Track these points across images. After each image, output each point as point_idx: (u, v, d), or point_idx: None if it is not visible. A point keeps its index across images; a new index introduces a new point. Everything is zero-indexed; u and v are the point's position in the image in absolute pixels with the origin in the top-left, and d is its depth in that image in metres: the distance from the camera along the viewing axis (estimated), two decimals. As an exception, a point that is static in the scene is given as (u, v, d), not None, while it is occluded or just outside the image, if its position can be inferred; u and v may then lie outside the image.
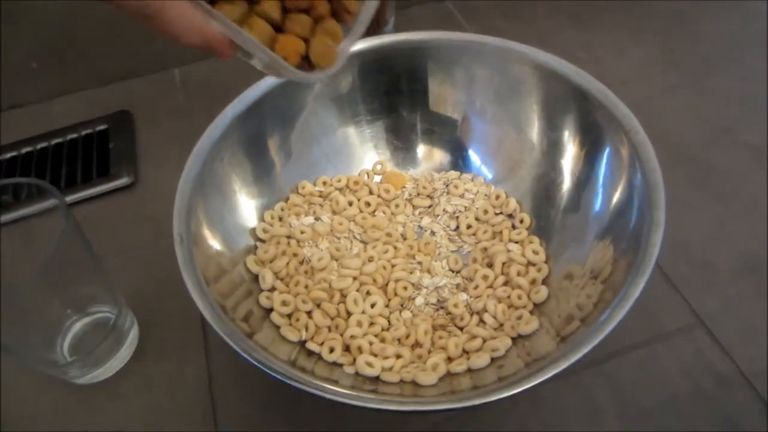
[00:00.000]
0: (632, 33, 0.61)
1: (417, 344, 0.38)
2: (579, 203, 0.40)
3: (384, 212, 0.46)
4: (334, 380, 0.34)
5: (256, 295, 0.39)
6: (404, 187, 0.47)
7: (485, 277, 0.40)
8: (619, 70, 0.57)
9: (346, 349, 0.37)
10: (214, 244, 0.38)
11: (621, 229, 0.36)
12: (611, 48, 0.60)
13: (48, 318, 0.38)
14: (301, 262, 0.42)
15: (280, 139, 0.44)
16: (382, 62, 0.45)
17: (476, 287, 0.40)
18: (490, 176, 0.46)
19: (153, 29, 0.24)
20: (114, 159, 0.53)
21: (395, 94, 0.46)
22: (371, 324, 0.38)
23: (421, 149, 0.48)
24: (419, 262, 0.42)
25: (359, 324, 0.38)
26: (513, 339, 0.37)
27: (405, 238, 0.44)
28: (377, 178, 0.48)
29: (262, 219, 0.43)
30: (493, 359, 0.35)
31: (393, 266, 0.42)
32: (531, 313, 0.38)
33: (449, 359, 0.36)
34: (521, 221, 0.43)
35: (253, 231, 0.42)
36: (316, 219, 0.44)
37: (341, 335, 0.38)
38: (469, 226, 0.44)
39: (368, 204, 0.45)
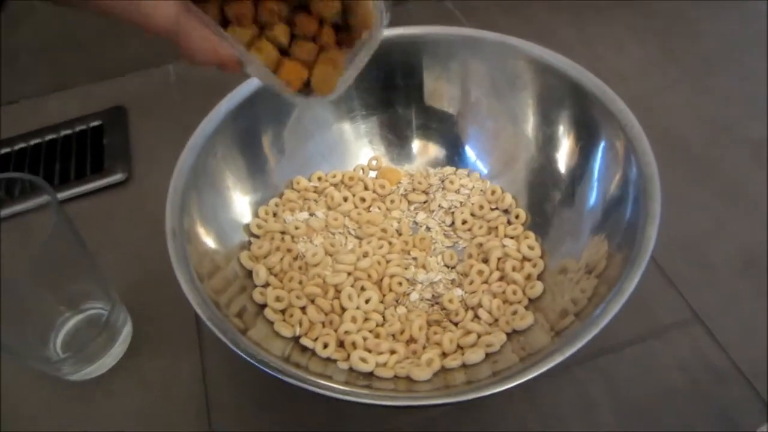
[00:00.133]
0: (632, 30, 0.61)
1: (411, 340, 0.38)
2: (574, 197, 0.40)
3: (379, 208, 0.45)
4: (328, 376, 0.33)
5: (250, 291, 0.39)
6: (400, 182, 0.47)
7: (480, 273, 0.40)
8: (618, 68, 0.57)
9: (340, 344, 0.37)
10: (208, 239, 0.38)
11: (616, 223, 0.36)
12: (611, 45, 0.60)
13: (41, 314, 0.38)
14: (295, 258, 0.41)
15: (274, 134, 0.44)
16: (378, 57, 0.44)
17: (471, 282, 0.40)
18: (485, 171, 0.46)
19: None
20: (108, 155, 0.53)
21: (390, 89, 0.46)
22: (366, 320, 0.38)
23: (417, 144, 0.48)
24: (414, 258, 0.42)
25: (353, 319, 0.38)
26: (508, 334, 0.37)
27: (400, 234, 0.44)
28: (372, 174, 0.47)
29: (256, 215, 0.43)
30: (487, 354, 0.35)
31: (388, 262, 0.41)
32: (526, 308, 0.38)
33: (444, 355, 0.36)
34: (517, 217, 0.43)
35: (247, 227, 0.42)
36: (311, 215, 0.44)
37: (335, 331, 0.37)
38: (464, 222, 0.44)
39: (363, 199, 0.45)
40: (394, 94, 0.46)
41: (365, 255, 0.41)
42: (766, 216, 0.45)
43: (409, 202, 0.46)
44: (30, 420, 0.38)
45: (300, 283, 0.39)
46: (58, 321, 0.39)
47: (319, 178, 0.46)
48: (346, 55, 0.30)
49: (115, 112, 0.57)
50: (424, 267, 0.42)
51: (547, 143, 0.42)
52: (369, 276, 0.40)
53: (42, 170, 0.52)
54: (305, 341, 0.37)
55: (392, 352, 0.36)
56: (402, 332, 0.38)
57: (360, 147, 0.48)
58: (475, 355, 0.35)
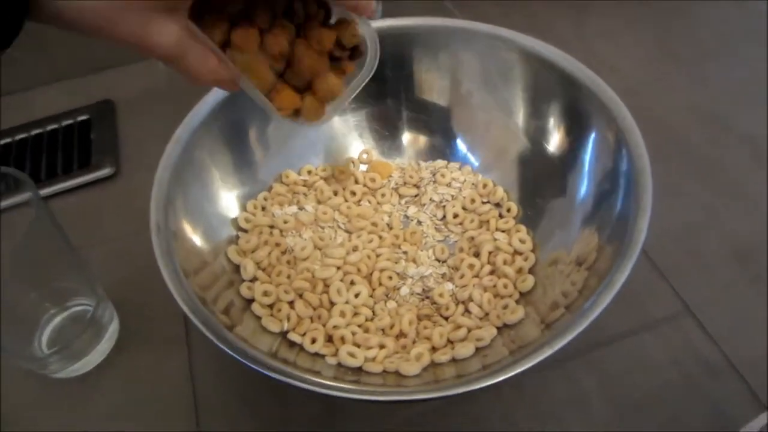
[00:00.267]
0: (628, 23, 0.61)
1: (401, 334, 0.37)
2: (565, 189, 0.40)
3: (369, 201, 0.45)
4: (316, 371, 0.33)
5: (238, 285, 0.38)
6: (391, 176, 0.46)
7: (471, 267, 0.40)
8: (613, 60, 0.57)
9: (329, 339, 0.37)
10: (194, 234, 0.37)
11: (607, 215, 0.35)
12: (606, 38, 0.59)
13: (25, 311, 0.38)
14: (284, 252, 0.41)
15: (261, 128, 0.43)
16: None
17: (462, 276, 0.39)
18: (476, 164, 0.46)
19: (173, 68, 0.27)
20: (95, 149, 0.52)
21: (380, 81, 0.45)
22: (355, 314, 0.38)
23: (407, 137, 0.47)
24: (405, 252, 0.42)
25: (342, 314, 0.37)
26: (498, 328, 0.36)
27: (391, 228, 0.43)
28: (363, 167, 0.47)
29: (244, 209, 0.42)
30: (477, 349, 0.35)
31: (378, 256, 0.41)
32: (517, 302, 0.38)
33: (434, 349, 0.36)
34: (508, 210, 0.43)
35: (234, 221, 0.42)
36: (300, 208, 0.44)
37: (323, 326, 0.37)
38: (455, 215, 0.43)
39: (353, 193, 0.45)
40: (384, 86, 0.45)
41: (355, 249, 0.41)
42: (759, 209, 0.44)
43: (401, 196, 0.46)
44: (15, 418, 0.37)
45: (288, 277, 0.39)
46: (43, 318, 0.38)
47: (309, 172, 0.45)
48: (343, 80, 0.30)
49: (102, 106, 0.57)
50: (414, 261, 0.41)
51: (539, 135, 0.42)
52: (358, 270, 0.40)
53: (28, 165, 0.52)
54: (293, 336, 0.36)
55: (381, 346, 0.36)
56: (392, 327, 0.37)
57: (350, 140, 0.47)
58: (465, 350, 0.35)
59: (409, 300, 0.39)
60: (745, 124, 0.50)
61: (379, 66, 0.46)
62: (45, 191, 0.49)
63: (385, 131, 0.47)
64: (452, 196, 0.44)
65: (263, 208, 0.43)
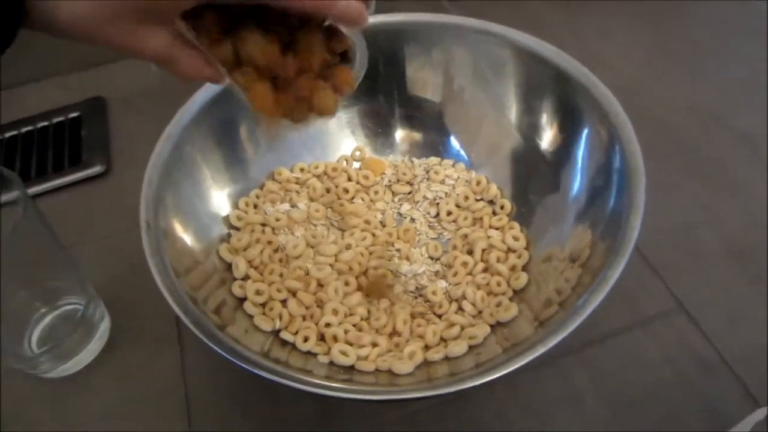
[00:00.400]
0: (622, 19, 0.61)
1: (395, 332, 0.37)
2: (558, 186, 0.40)
3: (363, 199, 0.45)
4: (308, 371, 0.33)
5: (229, 284, 0.38)
6: (384, 173, 0.46)
7: (465, 264, 0.40)
8: (607, 56, 0.57)
9: (321, 338, 0.36)
10: (185, 232, 0.37)
11: (600, 212, 0.35)
12: (600, 34, 0.59)
13: (15, 311, 0.37)
14: (276, 250, 0.41)
15: (253, 125, 0.43)
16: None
17: (455, 274, 0.39)
18: (470, 161, 0.45)
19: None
20: (86, 147, 0.52)
21: (372, 78, 0.44)
22: (350, 314, 0.37)
23: (400, 134, 0.47)
24: (398, 250, 0.42)
25: (335, 312, 0.37)
26: (492, 326, 0.36)
27: (384, 225, 0.43)
28: (356, 165, 0.47)
29: (236, 206, 0.42)
30: (471, 347, 0.35)
31: (371, 254, 0.41)
32: (510, 299, 0.38)
33: (427, 347, 0.36)
34: (502, 207, 0.43)
35: (226, 219, 0.41)
36: (292, 206, 0.43)
37: (316, 324, 0.37)
38: (449, 213, 0.43)
39: (346, 190, 0.44)
40: (377, 83, 0.45)
41: (348, 247, 0.41)
42: (754, 206, 0.44)
43: (394, 193, 0.45)
44: (6, 418, 0.37)
45: (281, 275, 0.39)
46: (33, 317, 0.38)
47: (302, 169, 0.45)
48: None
49: (94, 104, 0.56)
50: (407, 258, 0.41)
51: (532, 131, 0.42)
52: (351, 268, 0.39)
53: (18, 163, 0.51)
54: (285, 335, 0.36)
55: (374, 345, 0.35)
56: (385, 325, 0.37)
57: (343, 137, 0.47)
58: (458, 348, 0.34)
59: (403, 298, 0.39)
60: (741, 122, 0.50)
61: (372, 62, 0.45)
62: (35, 189, 0.48)
63: (378, 128, 0.47)
64: (446, 193, 0.44)
65: (255, 206, 0.43)
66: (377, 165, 0.46)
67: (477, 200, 0.44)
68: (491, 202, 0.43)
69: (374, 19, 0.43)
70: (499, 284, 0.38)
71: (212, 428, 0.36)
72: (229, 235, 0.41)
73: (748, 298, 0.40)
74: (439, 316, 0.38)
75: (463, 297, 0.38)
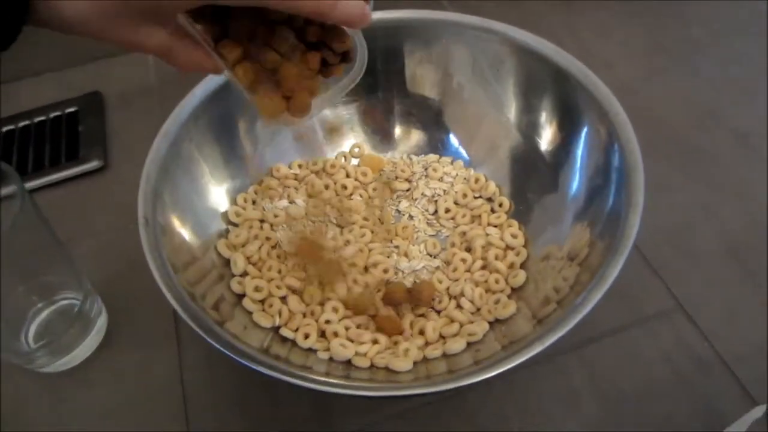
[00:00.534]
0: (620, 17, 0.60)
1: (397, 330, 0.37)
2: (557, 185, 0.40)
3: (361, 196, 0.45)
4: (308, 367, 0.33)
5: (228, 280, 0.38)
6: (382, 170, 0.46)
7: (463, 261, 0.40)
8: (605, 55, 0.56)
9: (322, 334, 0.36)
10: (183, 228, 0.37)
11: (599, 211, 0.35)
12: (598, 32, 0.59)
13: (12, 305, 0.37)
14: (274, 246, 0.40)
15: (251, 121, 0.43)
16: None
17: (454, 271, 0.39)
18: (468, 159, 0.45)
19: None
20: (83, 142, 0.52)
21: (371, 75, 0.44)
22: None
23: (399, 131, 0.47)
24: (396, 246, 0.41)
25: (335, 309, 0.37)
26: (490, 323, 0.36)
27: (382, 222, 0.43)
28: (355, 161, 0.47)
29: (234, 202, 0.42)
30: (469, 344, 0.35)
31: (370, 250, 0.41)
32: (509, 297, 0.38)
33: (426, 344, 0.36)
34: (500, 205, 0.43)
35: (224, 215, 0.41)
36: (291, 202, 0.43)
37: (316, 321, 0.37)
38: (447, 210, 0.43)
39: (345, 187, 0.44)
40: (376, 80, 0.45)
41: (347, 243, 0.41)
42: (753, 205, 0.44)
43: (392, 190, 0.45)
44: (2, 412, 0.37)
45: (279, 272, 0.39)
46: (30, 312, 0.38)
47: (300, 166, 0.45)
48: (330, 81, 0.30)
49: (91, 98, 0.56)
50: (406, 255, 0.41)
51: (531, 130, 0.42)
52: (355, 264, 0.39)
53: (15, 158, 0.51)
54: (285, 332, 0.36)
55: (374, 342, 0.35)
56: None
57: (341, 134, 0.47)
58: (457, 345, 0.34)
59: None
60: (740, 121, 0.50)
61: (371, 60, 0.45)
62: (32, 184, 0.48)
63: (377, 125, 0.47)
64: (444, 190, 0.44)
65: (253, 202, 0.43)
66: (375, 162, 0.46)
67: (475, 198, 0.44)
68: (490, 200, 0.43)
69: (373, 16, 0.43)
70: (497, 281, 0.38)
71: (209, 425, 0.36)
72: (227, 231, 0.41)
73: (747, 297, 0.40)
74: (438, 312, 0.38)
75: (462, 294, 0.38)
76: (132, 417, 0.37)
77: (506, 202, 0.43)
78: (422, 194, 0.44)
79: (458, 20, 0.43)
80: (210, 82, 0.39)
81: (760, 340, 0.37)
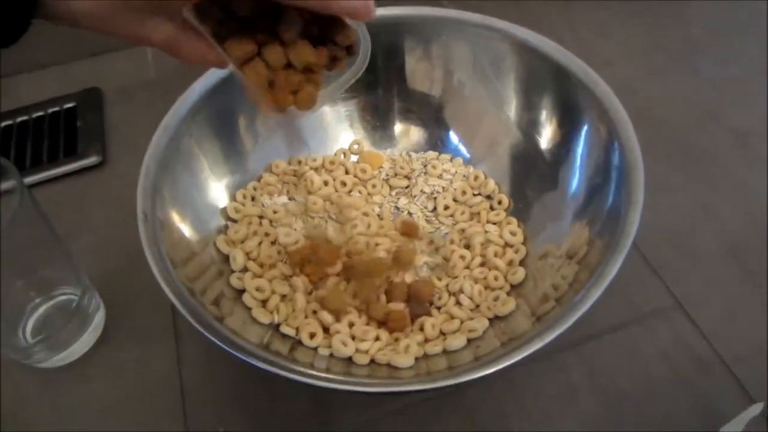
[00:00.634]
0: (620, 16, 0.60)
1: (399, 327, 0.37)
2: (557, 183, 0.40)
3: (360, 192, 0.44)
4: (308, 363, 0.33)
5: (227, 276, 0.38)
6: (381, 167, 0.46)
7: (462, 258, 0.40)
8: (605, 53, 0.57)
9: (325, 331, 0.36)
10: (182, 223, 0.37)
11: (598, 209, 0.35)
12: (598, 31, 0.59)
13: (10, 300, 0.37)
14: (273, 243, 0.40)
15: (251, 116, 0.43)
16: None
17: (454, 267, 0.39)
18: (468, 156, 0.45)
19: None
20: (82, 137, 0.52)
21: (371, 72, 0.44)
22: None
23: (398, 128, 0.47)
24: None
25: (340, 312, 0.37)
26: (490, 320, 0.36)
27: (381, 219, 0.43)
28: (354, 158, 0.47)
29: (233, 198, 0.42)
30: (470, 340, 0.35)
31: (377, 244, 0.40)
32: (508, 294, 0.38)
33: (426, 340, 0.36)
34: (499, 202, 0.43)
35: (223, 210, 0.41)
36: (290, 198, 0.43)
37: (317, 319, 0.37)
38: (446, 207, 0.43)
39: (344, 183, 0.44)
40: (376, 77, 0.45)
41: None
42: (752, 204, 0.44)
43: (391, 187, 0.45)
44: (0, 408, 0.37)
45: (278, 268, 0.39)
46: (28, 307, 0.38)
47: (300, 162, 0.45)
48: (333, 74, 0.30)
49: (89, 94, 0.56)
50: (406, 254, 0.41)
51: (531, 127, 0.42)
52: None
53: (13, 153, 0.51)
54: (285, 329, 0.36)
55: (377, 338, 0.35)
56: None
57: (341, 131, 0.47)
58: (457, 341, 0.34)
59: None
60: (739, 120, 0.50)
61: (371, 56, 0.45)
62: (30, 179, 0.48)
63: (377, 122, 0.47)
64: (443, 187, 0.44)
65: (253, 198, 0.43)
66: (375, 159, 0.46)
67: (474, 195, 0.44)
68: (489, 197, 0.43)
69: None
70: (496, 278, 0.38)
71: (208, 420, 0.36)
72: (226, 227, 0.40)
73: (746, 297, 0.40)
74: (438, 309, 0.38)
75: (461, 291, 0.38)
76: (130, 412, 0.36)
77: (505, 199, 0.43)
78: (421, 191, 0.44)
79: (459, 17, 0.43)
80: (210, 77, 0.39)
81: (759, 339, 0.37)
